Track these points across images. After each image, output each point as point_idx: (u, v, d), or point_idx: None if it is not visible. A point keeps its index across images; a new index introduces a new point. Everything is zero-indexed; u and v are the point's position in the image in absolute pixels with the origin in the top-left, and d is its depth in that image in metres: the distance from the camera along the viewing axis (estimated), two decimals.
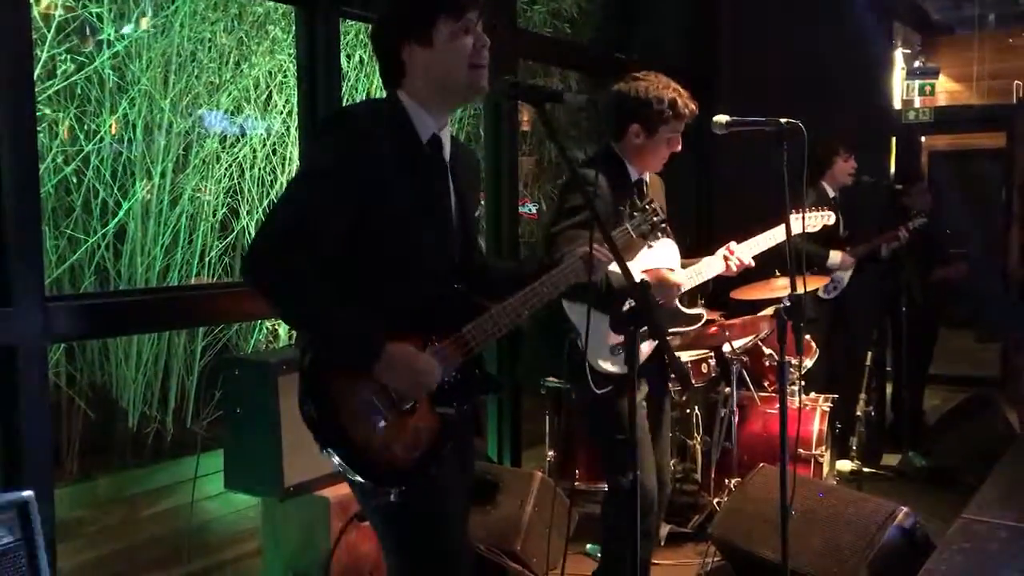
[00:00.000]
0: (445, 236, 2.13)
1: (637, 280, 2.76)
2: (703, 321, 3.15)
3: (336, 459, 1.98)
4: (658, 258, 2.99)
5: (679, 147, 3.00)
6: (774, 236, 3.20)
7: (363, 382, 1.96)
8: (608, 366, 2.88)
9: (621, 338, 2.16)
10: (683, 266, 3.08)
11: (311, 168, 2.11)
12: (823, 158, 4.94)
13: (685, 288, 3.02)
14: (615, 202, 2.90)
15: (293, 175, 2.19)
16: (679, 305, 3.06)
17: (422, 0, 2.06)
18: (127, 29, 4.82)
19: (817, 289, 4.87)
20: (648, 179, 3.09)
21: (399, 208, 2.02)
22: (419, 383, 1.99)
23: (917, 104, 9.43)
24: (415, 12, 2.06)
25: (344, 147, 1.97)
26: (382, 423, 1.98)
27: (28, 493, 2.27)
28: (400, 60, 2.08)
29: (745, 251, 3.09)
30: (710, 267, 3.07)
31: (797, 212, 3.40)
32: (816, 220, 3.56)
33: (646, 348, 2.95)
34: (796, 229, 3.37)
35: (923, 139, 9.85)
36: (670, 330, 3.06)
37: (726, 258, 3.05)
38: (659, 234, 2.59)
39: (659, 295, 2.91)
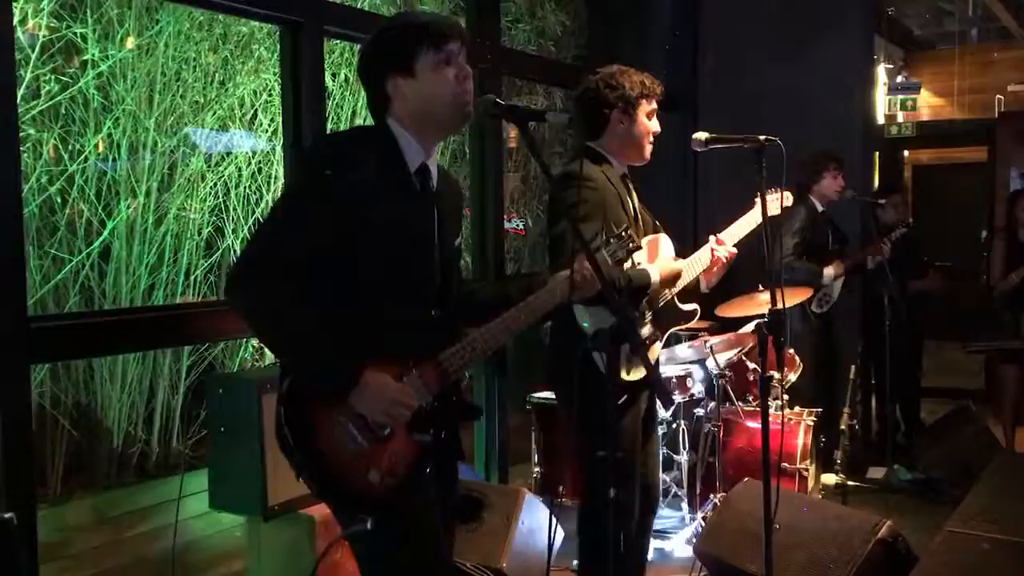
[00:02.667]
0: (427, 263, 2.13)
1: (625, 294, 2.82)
2: (698, 315, 3.15)
3: (312, 485, 1.98)
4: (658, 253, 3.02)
5: (658, 128, 3.05)
6: (750, 221, 3.19)
7: (340, 409, 1.97)
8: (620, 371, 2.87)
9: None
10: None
11: (293, 193, 2.14)
12: (812, 173, 4.98)
13: (686, 279, 3.04)
14: (612, 187, 2.95)
15: (277, 197, 2.21)
16: (676, 301, 3.07)
17: (403, 33, 2.09)
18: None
19: (810, 302, 4.90)
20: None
21: (382, 234, 2.03)
22: (392, 413, 1.99)
23: (900, 119, 9.52)
24: (397, 44, 2.08)
25: (327, 173, 1.98)
26: (358, 450, 1.98)
27: (10, 515, 2.27)
28: (385, 92, 2.10)
29: (727, 239, 3.10)
30: (699, 262, 3.08)
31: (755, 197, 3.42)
32: (774, 203, 3.50)
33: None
34: (768, 212, 3.40)
35: (906, 153, 9.93)
36: (672, 328, 3.09)
37: (713, 250, 3.06)
38: (633, 259, 2.61)
39: (666, 288, 2.98)
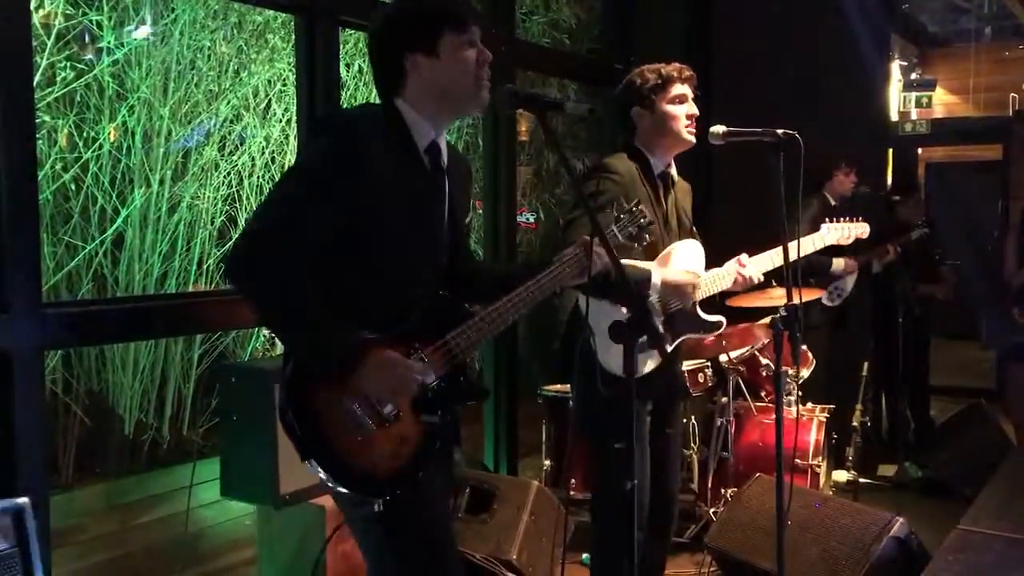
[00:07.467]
0: (435, 242, 2.12)
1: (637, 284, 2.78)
2: (723, 327, 3.07)
3: (318, 470, 1.97)
4: (682, 258, 2.97)
5: (693, 110, 2.97)
6: (775, 259, 3.03)
7: (345, 391, 1.94)
8: (617, 367, 2.84)
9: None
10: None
11: (301, 168, 2.08)
12: (824, 171, 4.98)
13: (702, 294, 2.98)
14: (642, 184, 2.91)
15: (284, 173, 2.18)
16: (699, 311, 3.00)
17: (429, 11, 2.07)
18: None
19: (821, 296, 4.89)
20: (675, 175, 3.06)
21: (391, 212, 2.01)
22: (397, 387, 1.96)
23: (914, 116, 9.47)
24: (422, 22, 2.06)
25: (337, 149, 1.96)
26: (365, 433, 1.95)
27: (23, 500, 2.28)
28: (402, 68, 2.07)
29: (754, 267, 3.01)
30: (720, 279, 3.01)
31: (832, 221, 3.39)
32: (849, 231, 3.45)
33: (651, 363, 2.87)
34: (831, 240, 3.38)
35: (920, 150, 9.88)
36: (689, 335, 3.02)
37: (738, 271, 2.98)
38: (647, 236, 2.56)
39: (674, 298, 2.90)
